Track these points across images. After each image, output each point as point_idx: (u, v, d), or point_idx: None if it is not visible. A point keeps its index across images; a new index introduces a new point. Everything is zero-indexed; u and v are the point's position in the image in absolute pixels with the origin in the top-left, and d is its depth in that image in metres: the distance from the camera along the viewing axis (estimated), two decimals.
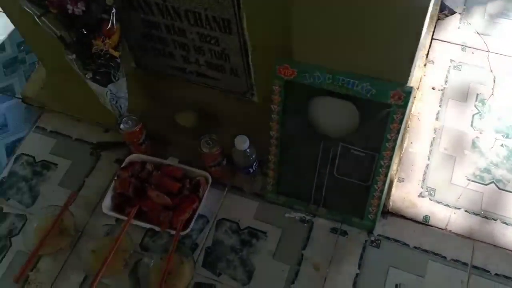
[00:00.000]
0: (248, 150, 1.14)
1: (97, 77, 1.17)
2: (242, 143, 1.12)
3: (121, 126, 1.26)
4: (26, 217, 1.30)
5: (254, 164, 1.19)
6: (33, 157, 1.40)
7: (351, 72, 0.95)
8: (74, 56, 1.11)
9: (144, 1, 1.09)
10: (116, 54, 1.13)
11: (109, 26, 1.09)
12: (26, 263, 1.17)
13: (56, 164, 1.38)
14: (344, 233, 1.22)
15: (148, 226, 1.22)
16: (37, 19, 1.04)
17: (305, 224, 1.24)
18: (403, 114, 0.96)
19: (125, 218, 1.23)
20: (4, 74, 1.59)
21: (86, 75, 1.16)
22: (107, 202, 1.26)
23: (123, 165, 1.30)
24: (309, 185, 1.19)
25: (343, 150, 1.09)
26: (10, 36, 1.70)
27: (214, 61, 1.18)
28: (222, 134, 1.30)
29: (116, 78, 1.18)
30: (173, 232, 1.20)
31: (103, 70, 1.16)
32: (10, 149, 1.42)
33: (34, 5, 1.02)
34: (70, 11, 1.02)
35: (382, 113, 0.98)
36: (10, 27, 1.71)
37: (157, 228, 1.21)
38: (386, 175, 1.08)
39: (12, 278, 1.19)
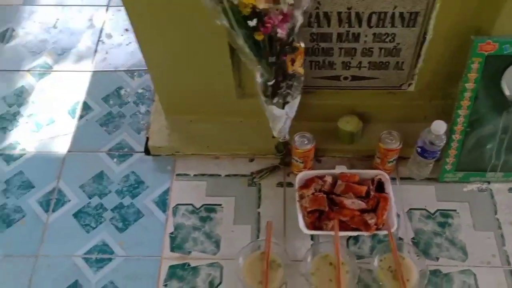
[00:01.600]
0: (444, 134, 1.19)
1: (280, 100, 1.16)
2: (441, 127, 1.16)
3: (297, 144, 1.25)
4: (219, 264, 1.22)
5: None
6: (192, 205, 1.32)
7: None
8: (273, 81, 1.08)
9: (324, 14, 1.11)
10: (302, 72, 1.13)
11: (301, 45, 1.09)
12: None
13: (220, 204, 1.32)
14: None
15: (355, 233, 1.22)
16: (245, 48, 1.02)
17: (485, 192, 1.32)
18: None
19: (325, 233, 1.22)
20: (107, 133, 1.48)
21: (273, 100, 1.14)
22: (301, 223, 1.23)
23: (300, 184, 1.28)
24: (488, 155, 1.27)
25: None
26: (89, 93, 1.58)
27: (380, 59, 1.22)
28: (372, 131, 1.36)
29: (293, 98, 1.18)
30: (381, 232, 1.22)
31: (285, 92, 1.15)
32: (162, 204, 1.33)
33: (242, 30, 0.99)
34: (279, 34, 1.00)
35: None
36: (84, 85, 1.60)
37: (366, 233, 1.21)
38: None
39: None
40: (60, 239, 1.28)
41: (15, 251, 1.26)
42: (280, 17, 0.97)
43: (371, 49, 1.20)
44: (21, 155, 1.44)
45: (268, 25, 0.97)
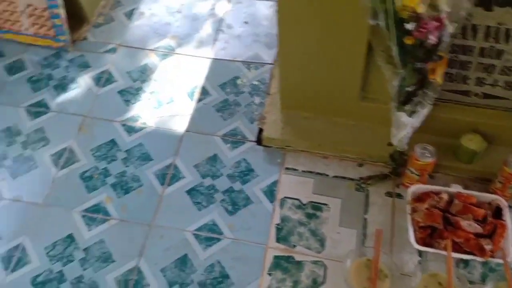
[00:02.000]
0: None
1: (410, 108, 1.14)
2: None
3: (418, 155, 1.23)
4: (323, 263, 1.23)
5: None
6: (298, 200, 1.34)
7: None
8: (412, 87, 1.08)
9: (472, 27, 1.09)
10: (441, 82, 1.11)
11: (446, 55, 1.08)
12: None
13: (327, 204, 1.32)
14: None
15: (469, 257, 1.18)
16: (391, 51, 1.02)
17: None
18: None
19: (436, 251, 1.18)
20: (222, 119, 1.53)
21: (405, 107, 1.13)
22: (412, 237, 1.20)
23: (413, 197, 1.26)
24: None
25: None
26: (208, 79, 1.64)
27: None
28: (493, 153, 1.30)
29: (423, 107, 1.16)
30: (495, 260, 1.16)
31: (418, 100, 1.13)
32: (270, 194, 1.36)
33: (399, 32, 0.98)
34: (430, 41, 0.99)
35: None
36: (203, 70, 1.67)
37: (479, 259, 1.16)
38: None
39: None
40: (173, 212, 1.34)
41: (130, 217, 1.35)
42: (436, 23, 0.96)
43: (511, 68, 1.16)
44: (141, 128, 1.53)
45: (423, 30, 0.96)
